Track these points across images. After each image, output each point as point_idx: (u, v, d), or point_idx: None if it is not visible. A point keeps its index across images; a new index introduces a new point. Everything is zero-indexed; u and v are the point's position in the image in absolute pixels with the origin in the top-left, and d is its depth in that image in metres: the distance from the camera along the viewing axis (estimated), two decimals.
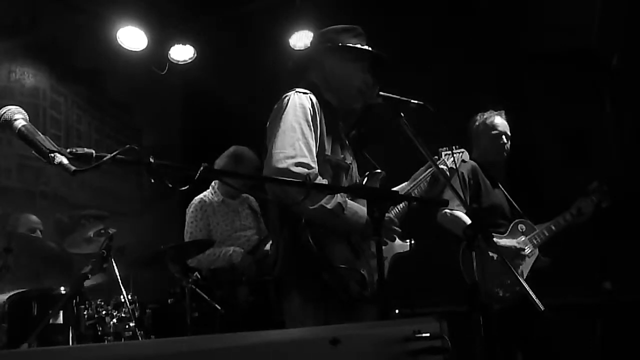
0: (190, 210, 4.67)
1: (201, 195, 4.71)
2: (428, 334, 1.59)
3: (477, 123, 4.11)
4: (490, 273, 3.52)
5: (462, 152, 3.41)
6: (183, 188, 1.75)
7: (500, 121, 4.06)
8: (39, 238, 4.47)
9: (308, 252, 2.50)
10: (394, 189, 3.07)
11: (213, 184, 4.78)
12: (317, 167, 2.56)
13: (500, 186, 4.05)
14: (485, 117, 4.09)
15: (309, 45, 5.79)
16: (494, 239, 3.71)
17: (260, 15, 5.84)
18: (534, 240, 3.89)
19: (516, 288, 3.53)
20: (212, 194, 4.73)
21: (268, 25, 5.88)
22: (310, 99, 2.68)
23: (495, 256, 3.59)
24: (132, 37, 5.75)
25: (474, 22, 5.35)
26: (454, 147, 3.41)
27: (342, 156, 2.77)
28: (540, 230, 3.94)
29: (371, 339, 1.49)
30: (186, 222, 4.67)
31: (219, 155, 4.79)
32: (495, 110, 4.12)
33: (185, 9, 5.93)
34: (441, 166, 3.11)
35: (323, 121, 2.70)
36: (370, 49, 2.86)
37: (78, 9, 5.77)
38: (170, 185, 1.72)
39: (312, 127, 2.62)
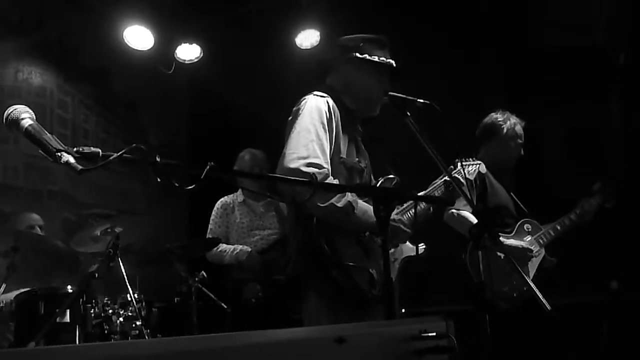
0: (213, 210, 4.89)
1: (225, 197, 4.92)
2: (434, 333, 1.58)
3: (503, 125, 4.03)
4: (498, 272, 3.52)
5: (479, 164, 3.40)
6: (189, 187, 1.75)
7: (521, 132, 4.05)
8: (46, 237, 4.48)
9: (319, 251, 2.55)
10: None
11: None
12: (329, 168, 2.60)
13: (506, 186, 4.04)
14: (513, 122, 4.02)
15: (319, 45, 5.81)
16: (501, 239, 3.71)
17: (267, 15, 5.83)
18: (540, 240, 3.89)
19: (523, 287, 3.52)
20: (235, 195, 4.92)
21: (274, 24, 5.88)
22: (327, 102, 2.74)
23: (502, 255, 3.59)
24: (138, 37, 5.75)
25: (480, 22, 5.34)
26: (471, 159, 3.41)
27: (357, 159, 2.80)
28: (546, 230, 3.94)
29: (377, 338, 1.49)
30: (209, 221, 4.87)
31: (225, 154, 4.90)
32: (518, 117, 4.09)
33: (191, 8, 5.93)
34: (457, 176, 3.11)
35: (339, 124, 2.74)
36: (393, 62, 2.88)
37: (84, 8, 5.78)
38: (177, 185, 1.72)
39: (327, 129, 2.67)
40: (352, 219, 2.57)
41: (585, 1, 4.97)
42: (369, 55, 2.87)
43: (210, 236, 4.75)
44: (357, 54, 2.89)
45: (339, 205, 2.54)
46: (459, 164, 3.28)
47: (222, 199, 4.90)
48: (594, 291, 4.58)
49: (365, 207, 2.58)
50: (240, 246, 4.60)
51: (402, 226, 2.71)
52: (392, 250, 2.87)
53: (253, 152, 4.88)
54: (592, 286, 4.56)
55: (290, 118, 2.76)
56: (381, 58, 2.88)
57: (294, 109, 2.77)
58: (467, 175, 3.23)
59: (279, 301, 4.37)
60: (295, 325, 3.61)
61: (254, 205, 4.85)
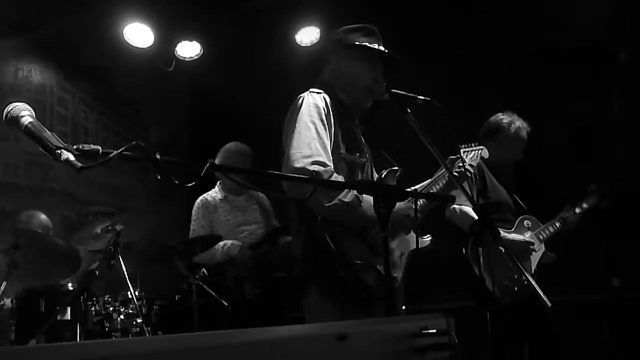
0: (194, 209, 4.76)
1: (204, 194, 4.80)
2: (435, 330, 1.58)
3: (506, 127, 4.06)
4: (499, 266, 3.52)
5: (482, 149, 3.40)
6: (189, 184, 1.76)
7: (524, 137, 4.07)
8: (47, 235, 4.49)
9: (325, 249, 2.55)
10: (415, 187, 3.08)
11: (218, 182, 4.83)
12: (332, 165, 2.60)
13: (506, 184, 4.05)
14: (517, 126, 4.04)
15: (317, 42, 5.82)
16: (502, 233, 3.71)
17: (267, 12, 5.83)
18: (540, 236, 3.91)
19: (524, 282, 3.53)
20: (215, 192, 4.81)
21: (274, 21, 5.88)
22: (324, 99, 2.73)
23: (503, 249, 3.59)
24: (138, 34, 5.76)
25: (481, 21, 5.33)
26: (472, 144, 3.41)
27: (357, 154, 2.79)
28: (545, 226, 3.96)
29: (378, 335, 1.49)
30: (191, 221, 4.75)
31: None
32: (524, 122, 4.10)
33: (191, 5, 5.93)
34: (457, 170, 3.10)
35: (337, 120, 2.74)
36: (377, 47, 2.88)
37: (85, 6, 5.77)
38: (177, 182, 1.72)
39: (326, 126, 2.67)
40: (360, 213, 2.57)
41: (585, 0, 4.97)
42: (351, 42, 2.90)
43: (194, 237, 4.58)
44: (339, 43, 2.93)
45: (346, 200, 2.54)
46: (462, 150, 3.29)
47: (201, 197, 4.78)
48: (595, 289, 4.58)
49: (371, 201, 2.58)
50: (230, 241, 4.51)
51: (410, 212, 2.70)
52: (397, 243, 2.85)
53: (225, 148, 4.77)
54: (594, 284, 4.55)
55: (287, 117, 2.76)
56: (364, 43, 2.89)
57: (291, 107, 2.77)
58: (470, 162, 3.23)
59: (276, 298, 4.37)
60: (293, 323, 3.61)
61: (236, 200, 4.77)
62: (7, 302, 3.89)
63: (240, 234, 4.65)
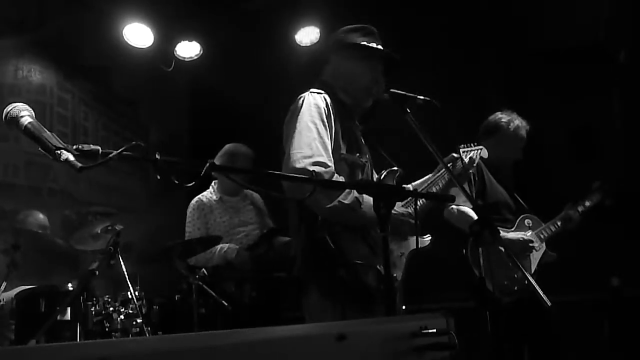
0: (189, 210, 4.71)
1: (199, 195, 4.75)
2: (434, 330, 1.58)
3: (505, 125, 4.06)
4: (499, 266, 3.52)
5: (481, 149, 3.40)
6: (189, 184, 1.76)
7: (523, 135, 4.07)
8: (47, 235, 4.49)
9: (325, 249, 2.54)
10: (413, 184, 3.09)
11: (213, 183, 4.80)
12: (333, 166, 2.59)
13: (506, 183, 4.05)
14: (516, 125, 4.04)
15: (317, 42, 5.82)
16: (502, 233, 3.71)
17: (267, 12, 5.84)
18: (540, 235, 3.90)
19: (524, 282, 3.53)
20: (210, 193, 4.76)
21: (274, 21, 5.89)
22: (325, 99, 2.73)
23: (503, 249, 3.59)
24: (138, 34, 5.76)
25: (481, 21, 5.33)
26: (472, 144, 3.41)
27: (357, 154, 2.79)
28: (546, 225, 3.95)
29: (377, 335, 1.49)
30: (186, 223, 4.71)
31: None
32: (524, 121, 4.10)
33: (191, 5, 5.93)
34: (459, 164, 3.10)
35: (337, 120, 2.73)
36: (376, 46, 2.88)
37: (85, 6, 5.78)
38: (177, 182, 1.72)
39: (327, 126, 2.67)
40: (360, 215, 2.56)
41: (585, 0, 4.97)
42: (351, 42, 2.90)
43: (197, 237, 4.53)
44: (339, 43, 2.93)
45: (346, 202, 2.54)
46: (461, 150, 3.29)
47: (196, 199, 4.72)
48: (595, 289, 4.58)
49: (370, 201, 2.58)
50: (227, 245, 4.48)
51: (409, 219, 2.70)
52: (397, 243, 2.85)
53: (226, 149, 4.72)
54: (593, 284, 4.56)
55: (288, 117, 2.75)
56: (363, 43, 2.89)
57: (292, 107, 2.76)
58: (469, 162, 3.23)
59: (275, 299, 4.36)
60: (293, 323, 3.61)
61: (231, 201, 4.73)
62: (7, 302, 3.90)
63: (237, 235, 4.62)
